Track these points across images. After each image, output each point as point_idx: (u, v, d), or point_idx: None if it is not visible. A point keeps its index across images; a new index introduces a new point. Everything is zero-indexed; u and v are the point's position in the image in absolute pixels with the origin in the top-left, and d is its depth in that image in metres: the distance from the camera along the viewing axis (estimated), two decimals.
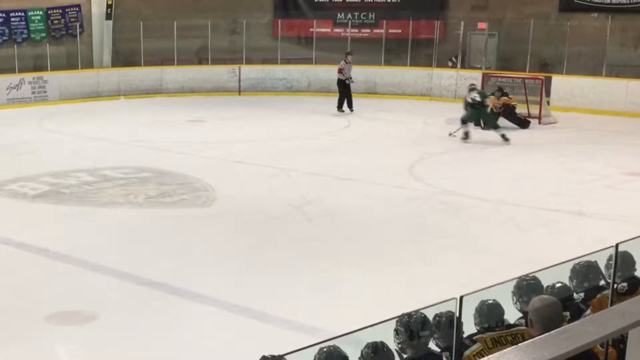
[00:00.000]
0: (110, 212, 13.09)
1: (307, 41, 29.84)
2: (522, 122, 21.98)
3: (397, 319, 4.75)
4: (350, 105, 24.35)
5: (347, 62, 24.58)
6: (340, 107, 24.35)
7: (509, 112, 22.05)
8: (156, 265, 10.27)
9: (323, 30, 29.90)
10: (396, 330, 4.74)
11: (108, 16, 28.18)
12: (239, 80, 28.81)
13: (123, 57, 28.62)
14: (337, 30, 29.94)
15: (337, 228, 12.25)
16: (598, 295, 5.77)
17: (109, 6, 28.11)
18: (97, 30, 28.20)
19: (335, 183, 15.16)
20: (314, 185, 14.96)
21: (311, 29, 29.83)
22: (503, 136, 19.50)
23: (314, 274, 10.01)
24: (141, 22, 27.94)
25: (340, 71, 24.51)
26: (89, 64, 27.89)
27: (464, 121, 19.73)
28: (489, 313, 5.40)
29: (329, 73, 27.14)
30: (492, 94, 21.86)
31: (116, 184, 14.92)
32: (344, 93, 24.42)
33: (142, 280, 9.69)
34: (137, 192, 14.26)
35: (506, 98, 22.24)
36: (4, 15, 26.17)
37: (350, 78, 24.40)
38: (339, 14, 30.05)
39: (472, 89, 20.57)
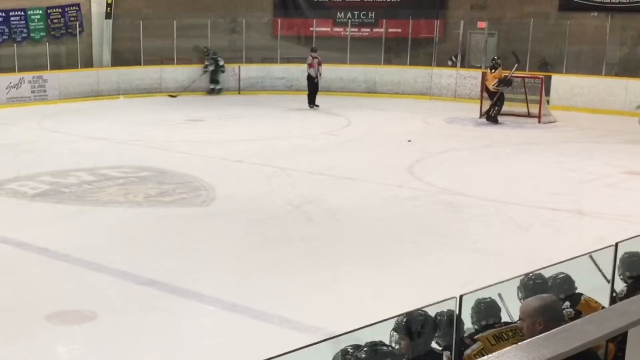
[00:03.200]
0: (110, 211, 13.06)
1: (306, 40, 29.82)
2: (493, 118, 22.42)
3: (398, 317, 4.71)
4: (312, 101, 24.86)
5: (313, 58, 24.84)
6: (312, 102, 24.64)
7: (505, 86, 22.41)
8: (156, 265, 10.25)
9: (323, 29, 29.90)
10: (397, 328, 4.70)
11: (108, 15, 28.17)
12: (239, 79, 28.81)
13: (123, 56, 28.59)
14: (336, 29, 29.93)
15: (337, 227, 12.23)
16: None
17: (108, 5, 28.10)
18: (96, 30, 28.19)
19: (335, 182, 15.14)
20: (313, 184, 14.93)
21: (311, 28, 29.83)
22: (212, 90, 27.80)
23: (314, 273, 10.00)
24: (141, 21, 27.93)
25: (310, 66, 24.86)
26: (88, 63, 27.88)
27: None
28: (487, 311, 5.40)
29: (329, 72, 27.15)
30: (493, 66, 22.40)
31: (116, 183, 14.90)
32: (312, 89, 24.81)
33: (142, 280, 9.67)
34: (137, 191, 14.25)
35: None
36: (3, 14, 26.16)
37: (319, 75, 25.05)
38: (338, 13, 30.04)
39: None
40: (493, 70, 22.58)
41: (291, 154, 17.78)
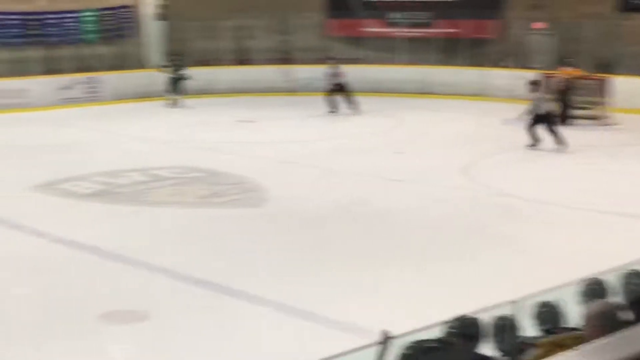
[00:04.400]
0: (162, 212, 13.17)
1: (357, 41, 29.67)
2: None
3: (448, 321, 4.65)
4: (347, 106, 24.36)
5: (334, 66, 24.61)
6: (351, 107, 24.30)
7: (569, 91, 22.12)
8: (208, 265, 10.29)
9: (374, 29, 29.71)
10: (448, 332, 4.61)
11: (160, 17, 28.33)
12: (290, 81, 28.74)
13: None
14: (389, 29, 29.71)
15: (387, 229, 12.13)
16: None
17: (160, 7, 28.28)
18: (148, 31, 28.36)
19: (386, 184, 15.02)
20: (364, 185, 14.87)
21: (362, 29, 29.66)
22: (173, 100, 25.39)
23: (364, 275, 9.94)
24: (193, 23, 28.02)
25: (339, 75, 24.49)
26: (140, 64, 28.04)
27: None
28: (546, 316, 5.27)
29: (380, 73, 27.01)
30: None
31: (167, 183, 15.01)
32: (344, 94, 24.42)
33: (193, 280, 9.69)
34: (189, 192, 14.33)
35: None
36: (57, 16, 26.46)
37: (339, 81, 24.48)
38: (391, 13, 29.80)
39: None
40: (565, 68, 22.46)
41: (342, 155, 17.67)
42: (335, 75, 24.45)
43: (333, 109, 24.19)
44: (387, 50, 28.51)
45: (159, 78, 25.85)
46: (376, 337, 4.26)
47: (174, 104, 25.60)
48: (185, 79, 25.82)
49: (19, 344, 8.00)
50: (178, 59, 26.24)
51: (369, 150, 18.31)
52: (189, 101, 25.55)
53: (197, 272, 9.91)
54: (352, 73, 26.09)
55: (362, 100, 24.64)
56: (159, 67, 26.31)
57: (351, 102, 24.26)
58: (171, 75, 25.80)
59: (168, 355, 7.79)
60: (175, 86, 25.82)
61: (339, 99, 24.28)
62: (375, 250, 11.05)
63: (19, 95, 24.80)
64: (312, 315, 8.57)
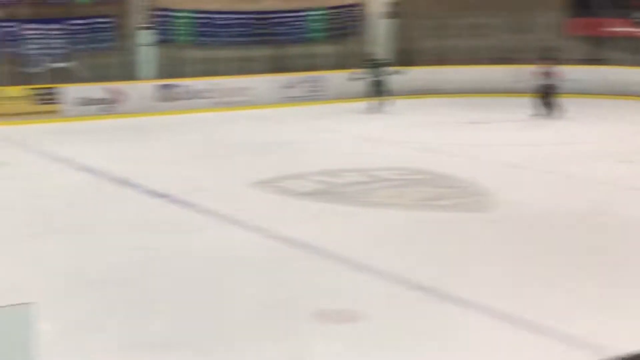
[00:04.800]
0: (381, 213, 12.81)
1: (599, 41, 28.09)
2: None
3: None
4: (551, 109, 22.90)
5: (546, 66, 23.13)
6: (555, 111, 22.77)
7: None
8: (427, 269, 9.76)
9: (620, 29, 27.98)
10: None
11: (390, 15, 28.25)
12: (521, 82, 27.54)
13: (402, 56, 28.22)
14: (636, 29, 27.89)
15: (627, 240, 11.12)
16: None
17: (391, 4, 28.17)
18: (376, 30, 28.39)
19: (626, 192, 13.90)
20: (602, 193, 13.85)
21: (606, 28, 28.03)
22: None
23: (598, 288, 9.09)
24: (424, 21, 27.56)
25: (552, 75, 22.96)
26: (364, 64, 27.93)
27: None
28: None
29: (624, 75, 25.67)
30: None
31: (388, 184, 14.70)
32: (551, 96, 22.96)
33: (410, 284, 9.18)
34: (409, 194, 13.99)
35: None
36: (284, 15, 27.00)
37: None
38: (638, 13, 28.00)
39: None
40: None
41: (576, 160, 16.58)
42: (547, 75, 23.06)
43: (540, 112, 22.86)
44: (633, 52, 26.75)
45: (361, 80, 25.28)
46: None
47: (378, 108, 24.65)
48: (389, 74, 24.77)
49: (232, 340, 7.84)
50: (377, 61, 25.53)
51: (606, 156, 17.09)
52: (411, 101, 25.11)
53: (412, 276, 9.42)
54: (593, 74, 24.69)
55: (601, 103, 23.20)
56: (354, 71, 25.57)
57: (555, 105, 22.79)
58: (372, 78, 24.92)
59: (376, 358, 7.35)
60: (378, 88, 24.82)
61: (548, 101, 23.01)
62: (613, 263, 10.09)
63: (245, 93, 25.61)
64: (537, 327, 7.84)
